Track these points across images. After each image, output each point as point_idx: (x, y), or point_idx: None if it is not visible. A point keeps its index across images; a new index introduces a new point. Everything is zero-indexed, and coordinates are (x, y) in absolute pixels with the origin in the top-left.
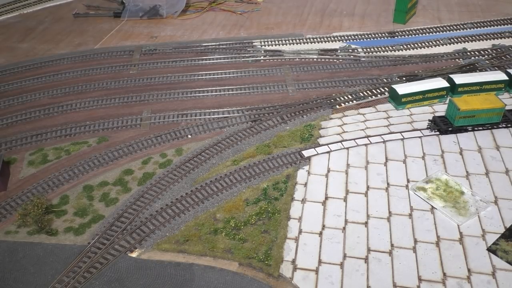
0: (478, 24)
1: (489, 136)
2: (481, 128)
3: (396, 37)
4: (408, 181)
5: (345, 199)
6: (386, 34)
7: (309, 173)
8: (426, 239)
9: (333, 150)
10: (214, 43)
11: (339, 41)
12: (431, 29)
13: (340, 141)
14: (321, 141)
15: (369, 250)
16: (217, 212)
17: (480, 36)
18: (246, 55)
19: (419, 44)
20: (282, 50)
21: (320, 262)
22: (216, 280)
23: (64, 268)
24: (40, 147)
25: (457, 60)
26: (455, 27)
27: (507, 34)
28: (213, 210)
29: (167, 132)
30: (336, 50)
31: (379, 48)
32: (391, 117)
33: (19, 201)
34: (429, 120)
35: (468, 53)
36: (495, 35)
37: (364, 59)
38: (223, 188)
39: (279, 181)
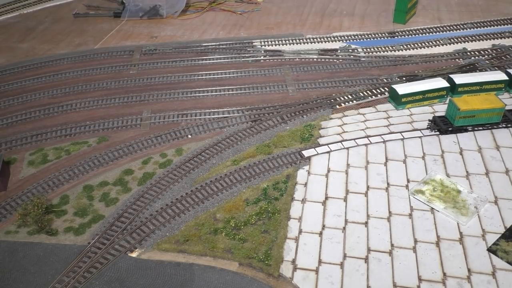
0: (478, 24)
1: (489, 136)
2: (481, 128)
3: (396, 37)
4: (408, 181)
5: (345, 199)
6: (386, 34)
7: (309, 173)
8: (426, 239)
9: (333, 150)
10: (214, 43)
11: (339, 41)
12: (431, 29)
13: (340, 141)
14: (321, 141)
15: (369, 250)
16: (217, 212)
17: (480, 36)
18: (246, 55)
19: (419, 44)
20: (282, 50)
21: (320, 262)
22: (216, 280)
23: (64, 268)
24: (40, 147)
25: (457, 60)
26: (455, 27)
27: (507, 34)
28: (213, 210)
29: (167, 132)
30: (336, 50)
31: (379, 48)
32: (391, 117)
33: (19, 201)
34: (429, 120)
35: (468, 53)
36: (495, 35)
37: (364, 59)
38: (223, 188)
39: (279, 181)
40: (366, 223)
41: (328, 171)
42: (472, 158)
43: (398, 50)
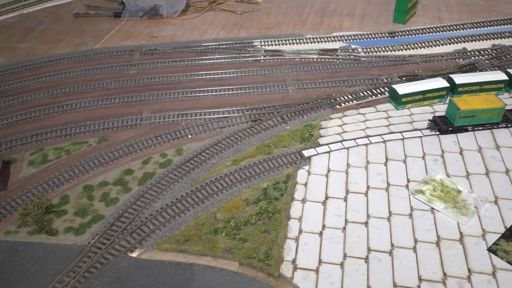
0: (478, 24)
1: (489, 136)
2: (481, 128)
3: (396, 37)
4: (408, 181)
5: (345, 199)
6: (386, 34)
7: (309, 173)
8: (426, 239)
9: (333, 150)
10: (214, 43)
11: (339, 41)
12: (431, 29)
13: (340, 141)
14: (321, 141)
15: (369, 250)
16: (217, 212)
17: (480, 36)
18: (246, 55)
19: (419, 44)
20: (282, 50)
21: (320, 262)
22: (216, 280)
23: (64, 268)
24: (40, 147)
25: (457, 60)
26: (455, 27)
27: (507, 34)
28: (213, 210)
29: (167, 132)
30: (336, 50)
31: (379, 48)
32: (391, 117)
33: (19, 201)
34: (429, 120)
35: (468, 53)
36: (495, 35)
37: (364, 59)
38: (223, 188)
39: (279, 181)
40: (366, 223)
41: (328, 171)
42: (472, 158)
43: (398, 50)
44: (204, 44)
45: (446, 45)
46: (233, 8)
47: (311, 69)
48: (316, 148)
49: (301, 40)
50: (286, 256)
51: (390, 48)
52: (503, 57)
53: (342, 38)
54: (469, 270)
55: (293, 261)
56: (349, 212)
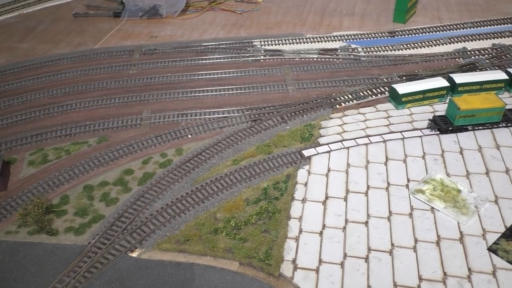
0: (478, 23)
1: (489, 135)
2: (481, 127)
3: (396, 37)
4: (408, 180)
5: (345, 199)
6: (386, 34)
7: (309, 172)
8: (427, 238)
9: (333, 150)
10: (214, 43)
11: (339, 40)
12: (431, 29)
13: (340, 141)
14: (321, 140)
15: (369, 249)
16: (217, 212)
17: (480, 36)
18: (246, 54)
19: (419, 44)
20: (282, 49)
21: (320, 261)
22: (217, 280)
23: (64, 268)
24: (40, 147)
25: (457, 59)
26: (455, 26)
27: (507, 33)
28: (213, 209)
29: (167, 132)
30: (336, 49)
31: (379, 48)
32: (391, 116)
33: (19, 201)
34: (429, 120)
35: (468, 53)
36: (495, 34)
37: (364, 58)
38: (223, 188)
39: (280, 180)
40: (366, 223)
41: (328, 170)
42: (472, 157)
43: (398, 50)
44: (204, 44)
45: (446, 44)
46: (233, 7)
47: (311, 68)
48: (316, 148)
49: (301, 40)
50: (286, 255)
51: (390, 47)
52: (503, 57)
53: (342, 37)
54: (469, 269)
55: (293, 261)
56: (349, 211)
